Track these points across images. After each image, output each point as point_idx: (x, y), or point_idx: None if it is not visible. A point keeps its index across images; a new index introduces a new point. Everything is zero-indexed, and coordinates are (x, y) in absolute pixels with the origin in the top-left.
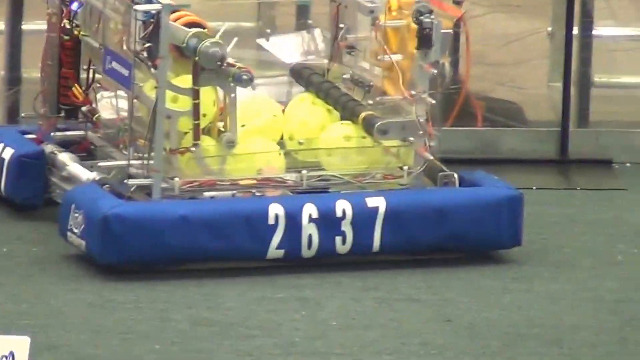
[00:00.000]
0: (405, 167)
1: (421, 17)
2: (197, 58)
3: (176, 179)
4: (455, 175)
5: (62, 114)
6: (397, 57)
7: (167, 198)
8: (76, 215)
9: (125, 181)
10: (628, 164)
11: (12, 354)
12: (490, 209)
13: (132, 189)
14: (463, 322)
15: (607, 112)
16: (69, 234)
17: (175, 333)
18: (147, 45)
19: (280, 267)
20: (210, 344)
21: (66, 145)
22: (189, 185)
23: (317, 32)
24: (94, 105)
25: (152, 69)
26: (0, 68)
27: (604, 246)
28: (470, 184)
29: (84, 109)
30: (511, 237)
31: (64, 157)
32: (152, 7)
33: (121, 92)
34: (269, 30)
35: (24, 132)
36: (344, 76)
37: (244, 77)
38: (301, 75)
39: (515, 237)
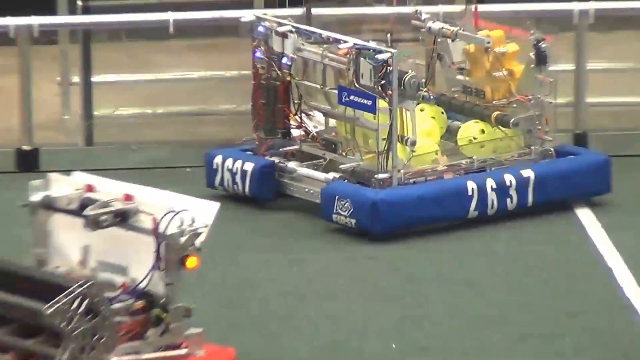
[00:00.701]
0: (533, 147)
1: (539, 44)
2: (402, 87)
3: (401, 171)
4: (552, 149)
5: (279, 136)
6: (505, 73)
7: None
8: (343, 202)
9: (375, 175)
10: None
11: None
12: (598, 168)
13: (378, 181)
14: (407, 271)
15: None
16: (334, 216)
17: None
18: (382, 82)
19: (286, 238)
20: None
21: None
22: (407, 175)
23: (410, 61)
24: (307, 127)
25: (386, 98)
26: (78, 108)
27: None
28: (568, 154)
29: (299, 130)
30: (606, 187)
31: (292, 164)
32: (385, 56)
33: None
34: None
35: (244, 150)
36: (453, 89)
37: (431, 96)
38: None
39: (608, 186)
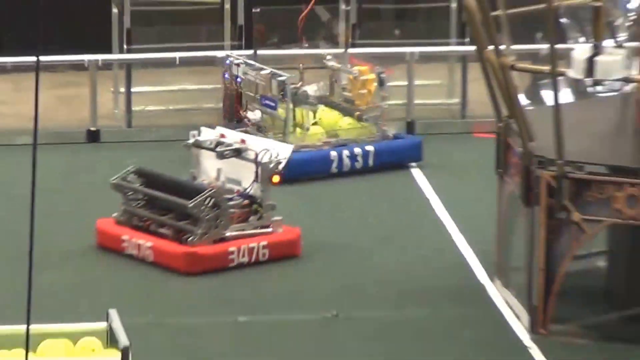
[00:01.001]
0: (377, 134)
1: (380, 75)
2: (297, 96)
3: (294, 144)
4: (391, 134)
5: (235, 121)
6: (365, 90)
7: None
8: None
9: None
10: None
11: (278, 153)
12: (415, 145)
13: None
14: (298, 201)
15: None
16: None
17: None
18: (282, 93)
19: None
20: None
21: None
22: (299, 147)
23: (321, 84)
24: (249, 118)
25: (286, 102)
26: (123, 106)
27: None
28: (398, 137)
29: (245, 119)
30: (419, 157)
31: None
32: (283, 78)
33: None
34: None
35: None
36: (341, 99)
37: (315, 102)
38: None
39: (421, 157)
